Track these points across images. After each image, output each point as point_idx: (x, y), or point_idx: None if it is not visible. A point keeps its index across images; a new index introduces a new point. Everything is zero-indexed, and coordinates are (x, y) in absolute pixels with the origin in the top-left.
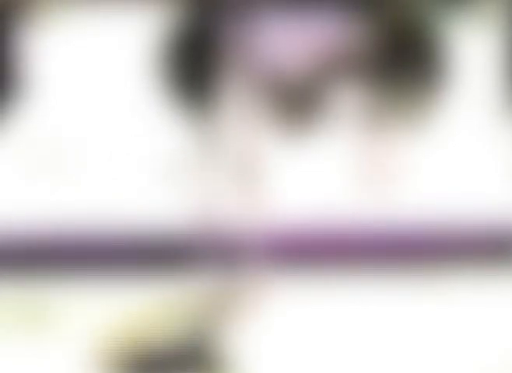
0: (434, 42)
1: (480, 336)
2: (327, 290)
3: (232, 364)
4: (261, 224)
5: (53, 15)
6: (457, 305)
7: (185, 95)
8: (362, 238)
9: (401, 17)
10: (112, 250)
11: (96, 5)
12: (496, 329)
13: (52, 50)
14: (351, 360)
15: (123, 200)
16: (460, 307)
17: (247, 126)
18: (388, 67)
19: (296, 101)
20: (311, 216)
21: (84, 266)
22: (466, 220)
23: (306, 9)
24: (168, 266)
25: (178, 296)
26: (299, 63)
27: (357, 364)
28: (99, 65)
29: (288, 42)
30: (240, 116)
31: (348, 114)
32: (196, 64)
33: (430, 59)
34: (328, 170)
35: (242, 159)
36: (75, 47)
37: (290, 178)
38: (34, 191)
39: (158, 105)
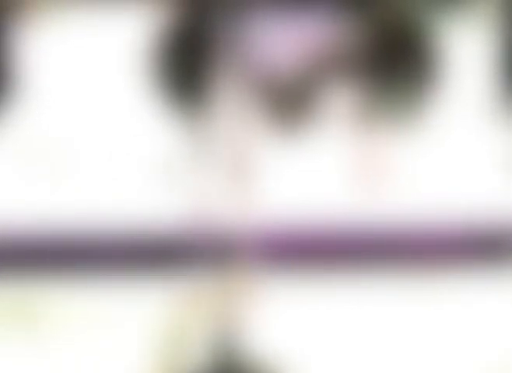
0: (427, 42)
1: (480, 336)
2: (321, 289)
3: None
4: (255, 223)
5: (47, 15)
6: (456, 305)
7: (180, 94)
8: (356, 237)
9: (394, 17)
10: (109, 250)
11: (91, 5)
12: (496, 329)
13: (47, 49)
14: (345, 360)
15: (118, 200)
16: (459, 306)
17: (241, 125)
18: (382, 66)
19: (290, 100)
20: (305, 215)
21: (82, 267)
22: (462, 219)
23: (300, 9)
24: (164, 265)
25: (175, 295)
26: (292, 62)
27: (353, 363)
28: (94, 65)
29: (281, 41)
30: (235, 116)
31: (342, 114)
32: (190, 63)
33: (423, 59)
34: (322, 169)
35: (236, 158)
36: (70, 46)
37: (284, 177)
38: (32, 191)
39: (153, 104)
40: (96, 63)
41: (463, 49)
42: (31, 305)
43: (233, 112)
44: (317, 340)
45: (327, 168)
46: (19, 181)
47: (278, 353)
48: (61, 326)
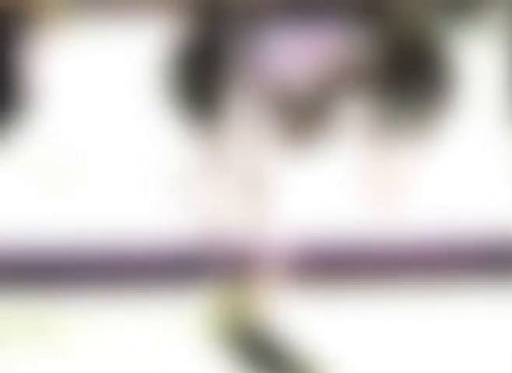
0: (439, 54)
1: (488, 346)
2: (333, 302)
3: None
4: (268, 237)
5: (60, 29)
6: (465, 316)
7: (194, 108)
8: (368, 250)
9: (407, 30)
10: (123, 264)
11: (105, 19)
12: (505, 339)
13: (59, 63)
14: (358, 368)
15: (132, 214)
16: (467, 317)
17: (254, 139)
18: (394, 79)
19: (303, 114)
20: (317, 229)
21: (92, 281)
22: (476, 232)
23: (312, 23)
24: (178, 279)
25: (191, 308)
26: (305, 76)
27: (364, 369)
28: (108, 78)
29: (294, 55)
30: (247, 129)
31: (354, 127)
32: (204, 77)
33: (436, 71)
34: (335, 183)
35: (249, 172)
36: (83, 60)
37: (296, 191)
38: (42, 205)
39: (166, 118)
40: (109, 76)
41: (475, 62)
42: (39, 320)
43: (246, 125)
44: (331, 352)
45: (341, 181)
46: (32, 195)
47: (291, 360)
48: (79, 340)
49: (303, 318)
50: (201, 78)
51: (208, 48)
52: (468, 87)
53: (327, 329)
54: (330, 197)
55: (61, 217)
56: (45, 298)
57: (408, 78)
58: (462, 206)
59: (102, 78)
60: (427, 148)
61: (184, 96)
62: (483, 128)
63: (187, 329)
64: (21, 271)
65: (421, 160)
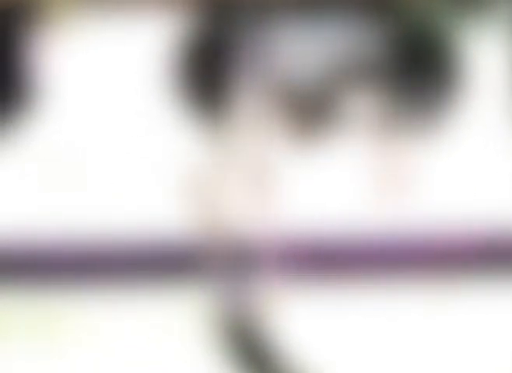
0: (448, 50)
1: (489, 344)
2: (338, 299)
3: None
4: (274, 233)
5: (68, 24)
6: (474, 314)
7: (199, 104)
8: (375, 246)
9: (415, 26)
10: (129, 261)
11: (111, 14)
12: (506, 337)
13: (64, 59)
14: (361, 367)
15: (137, 211)
16: (477, 315)
17: (261, 135)
18: (402, 76)
19: (310, 110)
20: (325, 225)
21: (92, 278)
22: (483, 228)
23: (320, 18)
24: (183, 276)
25: (193, 306)
26: (313, 71)
27: (366, 369)
28: (114, 74)
29: (301, 51)
30: (254, 125)
31: (362, 123)
32: (210, 73)
33: (444, 67)
34: (342, 179)
35: (255, 168)
36: (89, 55)
37: (304, 187)
38: (44, 201)
39: (171, 114)
40: (114, 72)
41: (485, 58)
42: (45, 318)
43: (253, 120)
44: (335, 348)
45: (348, 178)
46: (34, 190)
47: (297, 359)
48: (83, 340)
49: (305, 316)
50: (208, 74)
51: (216, 43)
52: (476, 82)
53: (328, 328)
54: (338, 192)
55: (62, 213)
56: (45, 295)
57: (415, 73)
58: (469, 202)
59: (106, 73)
60: (434, 143)
61: (190, 92)
62: (491, 123)
63: (186, 327)
64: (20, 268)
65: (428, 156)
